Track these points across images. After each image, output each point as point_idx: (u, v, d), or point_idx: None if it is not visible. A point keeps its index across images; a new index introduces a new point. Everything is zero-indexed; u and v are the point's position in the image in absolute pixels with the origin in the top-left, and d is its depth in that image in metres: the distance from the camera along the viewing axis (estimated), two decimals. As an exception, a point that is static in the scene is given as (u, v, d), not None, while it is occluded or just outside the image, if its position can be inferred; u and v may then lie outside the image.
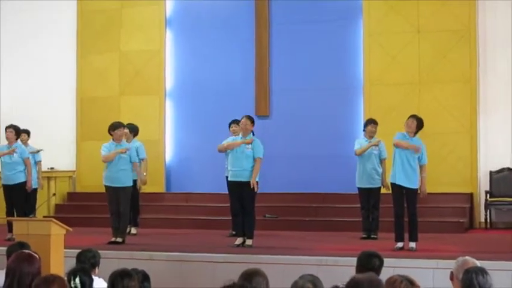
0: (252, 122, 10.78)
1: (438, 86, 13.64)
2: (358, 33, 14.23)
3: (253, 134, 10.81)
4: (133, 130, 12.73)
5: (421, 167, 10.18)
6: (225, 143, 11.15)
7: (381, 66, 13.98)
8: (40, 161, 12.84)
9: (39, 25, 15.97)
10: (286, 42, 14.64)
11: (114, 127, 11.31)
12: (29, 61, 15.97)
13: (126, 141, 12.01)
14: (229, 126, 12.02)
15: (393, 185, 10.21)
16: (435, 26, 13.69)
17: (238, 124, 11.38)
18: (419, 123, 10.26)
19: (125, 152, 11.17)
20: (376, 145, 11.53)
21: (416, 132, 10.26)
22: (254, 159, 10.55)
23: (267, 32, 14.66)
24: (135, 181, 11.89)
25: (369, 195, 11.61)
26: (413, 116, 10.35)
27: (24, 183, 11.96)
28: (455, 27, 13.57)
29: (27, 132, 12.90)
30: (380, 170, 11.60)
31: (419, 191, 10.16)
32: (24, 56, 16.01)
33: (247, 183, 10.48)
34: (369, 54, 14.06)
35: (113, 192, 11.20)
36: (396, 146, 10.19)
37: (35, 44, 15.98)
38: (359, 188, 11.74)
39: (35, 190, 12.52)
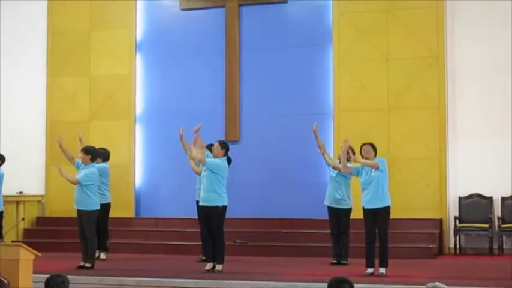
0: (223, 147, 10.80)
1: (407, 112, 13.76)
2: (328, 60, 14.33)
3: (230, 160, 10.81)
4: (103, 155, 12.65)
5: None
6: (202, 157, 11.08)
7: (350, 92, 14.08)
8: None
9: (9, 42, 15.87)
10: (256, 67, 14.71)
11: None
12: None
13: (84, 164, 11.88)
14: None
15: (364, 209, 10.23)
16: (404, 53, 13.83)
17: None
18: (374, 148, 10.38)
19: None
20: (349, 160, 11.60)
21: (375, 155, 10.35)
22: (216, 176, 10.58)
23: (236, 57, 14.72)
24: (104, 205, 11.83)
25: (337, 217, 11.59)
26: (365, 144, 10.42)
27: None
28: (424, 55, 13.73)
29: (2, 158, 12.77)
30: (349, 193, 11.62)
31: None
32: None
33: (214, 207, 10.48)
34: (339, 80, 14.16)
35: (78, 214, 11.16)
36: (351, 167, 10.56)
37: (3, 63, 15.88)
38: (328, 208, 11.73)
39: (1, 213, 12.40)
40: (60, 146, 11.85)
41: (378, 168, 10.14)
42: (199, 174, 11.44)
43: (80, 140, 12.53)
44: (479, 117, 13.48)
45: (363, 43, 14.09)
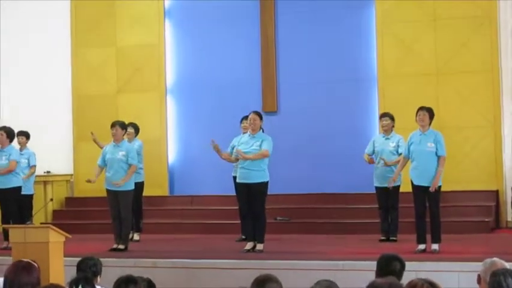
0: (261, 117, 10.78)
1: (457, 76, 13.60)
2: (370, 21, 14.20)
3: (263, 131, 10.81)
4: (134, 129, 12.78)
5: (438, 159, 10.14)
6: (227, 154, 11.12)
7: (395, 56, 13.95)
8: (34, 165, 12.80)
9: (30, 14, 15.94)
10: (293, 33, 14.61)
11: (110, 126, 11.39)
12: (20, 58, 15.95)
13: (128, 141, 12.05)
14: (241, 123, 12.04)
15: (413, 184, 10.19)
16: (453, 12, 13.64)
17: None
18: (431, 114, 10.27)
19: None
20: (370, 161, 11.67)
21: (430, 123, 10.25)
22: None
23: (272, 23, 14.64)
24: (138, 184, 11.91)
25: (387, 195, 11.59)
26: (422, 109, 10.32)
27: (18, 188, 11.95)
28: (475, 14, 13.53)
29: (26, 135, 12.86)
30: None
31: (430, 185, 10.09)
32: (14, 53, 15.98)
33: (257, 184, 10.47)
34: (382, 43, 14.03)
35: (112, 196, 11.22)
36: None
37: (26, 40, 15.96)
38: (376, 188, 11.73)
39: (31, 196, 12.54)
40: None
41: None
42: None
43: (95, 140, 12.60)
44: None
45: (408, 3, 13.91)
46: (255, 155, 10.46)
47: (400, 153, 11.29)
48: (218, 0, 15.00)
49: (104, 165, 11.35)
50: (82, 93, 15.67)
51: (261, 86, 14.62)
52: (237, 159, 10.82)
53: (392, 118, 11.85)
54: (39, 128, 14.73)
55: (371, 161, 11.78)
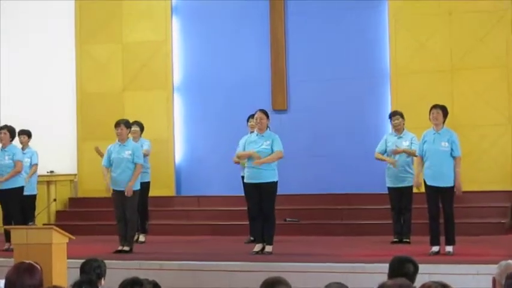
0: (267, 116, 10.77)
1: (473, 73, 13.55)
2: (382, 16, 14.17)
3: (269, 129, 10.80)
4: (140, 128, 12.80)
5: (454, 159, 10.11)
6: (238, 153, 11.15)
7: (408, 52, 13.91)
8: (36, 164, 12.82)
9: (34, 9, 15.94)
10: (304, 30, 14.59)
11: (114, 125, 11.38)
12: (22, 57, 15.98)
13: (134, 139, 12.05)
14: (248, 121, 12.05)
15: (426, 184, 10.16)
16: (469, 6, 13.59)
17: (255, 119, 11.39)
18: (445, 112, 10.25)
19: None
20: (394, 164, 11.55)
21: (444, 122, 10.22)
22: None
23: (282, 19, 14.62)
24: (144, 184, 11.91)
25: (400, 196, 11.57)
26: (436, 107, 10.29)
27: (20, 188, 11.96)
28: (491, 8, 13.48)
29: (28, 133, 12.90)
30: (411, 168, 11.55)
31: (455, 189, 10.09)
32: (18, 48, 16.02)
33: (266, 184, 10.46)
34: (395, 39, 13.99)
35: (118, 196, 11.23)
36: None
37: (28, 39, 15.98)
38: (389, 188, 11.71)
39: (34, 196, 12.56)
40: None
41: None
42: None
43: (99, 153, 12.57)
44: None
45: (422, -4, 13.89)
46: (271, 158, 10.46)
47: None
48: (227, -1, 15.01)
49: (109, 165, 11.35)
50: (87, 91, 15.68)
51: (271, 84, 14.60)
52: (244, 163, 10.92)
53: (402, 116, 11.83)
54: (42, 126, 14.75)
55: (391, 161, 11.69)
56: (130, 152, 11.24)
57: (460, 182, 10.05)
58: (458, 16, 13.67)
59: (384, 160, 11.76)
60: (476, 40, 13.55)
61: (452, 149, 10.07)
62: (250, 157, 10.62)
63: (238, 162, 11.83)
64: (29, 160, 12.54)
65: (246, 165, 10.86)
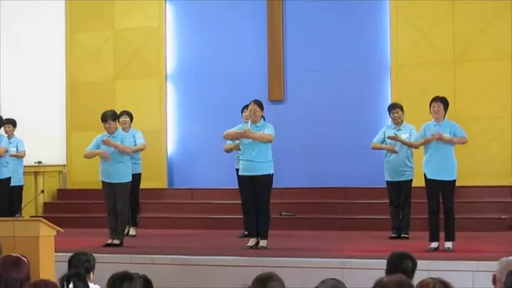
0: (262, 107, 10.77)
1: (476, 65, 13.56)
2: (383, 7, 14.16)
3: (264, 119, 10.80)
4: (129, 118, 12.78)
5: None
6: (227, 132, 11.07)
7: (410, 43, 13.91)
8: (24, 151, 12.80)
9: (24, 2, 15.90)
10: (302, 18, 14.58)
11: (101, 119, 11.33)
12: (13, 42, 15.95)
13: (124, 130, 12.04)
14: (242, 112, 12.06)
15: (426, 178, 10.18)
16: (471, -4, 13.63)
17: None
18: (445, 104, 10.28)
19: (104, 156, 11.18)
20: (394, 151, 11.55)
21: (444, 114, 10.25)
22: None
23: (280, 7, 14.61)
24: (135, 176, 11.90)
25: (398, 190, 11.59)
26: (436, 100, 10.31)
27: (7, 180, 11.96)
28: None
29: (13, 123, 12.90)
30: (411, 161, 11.57)
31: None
32: (6, 37, 15.99)
33: (262, 176, 10.47)
34: (397, 29, 14.00)
35: (109, 188, 11.23)
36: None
37: (19, 24, 15.94)
38: (387, 182, 11.73)
39: (21, 187, 12.55)
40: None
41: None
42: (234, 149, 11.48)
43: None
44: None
45: (424, -15, 13.90)
46: (260, 136, 10.46)
47: None
48: (222, -16, 14.99)
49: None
50: (77, 80, 15.67)
51: (267, 73, 14.60)
52: (236, 147, 10.85)
53: (402, 109, 11.84)
54: (31, 116, 14.76)
55: (389, 147, 11.68)
56: (119, 143, 11.24)
57: (446, 136, 10.02)
58: (461, 7, 13.66)
59: (382, 148, 11.77)
60: (479, 31, 13.54)
61: (456, 135, 10.09)
62: (240, 137, 10.63)
63: (228, 150, 11.74)
64: (15, 149, 12.56)
65: (240, 158, 10.86)
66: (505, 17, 13.43)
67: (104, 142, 11.12)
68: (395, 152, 11.55)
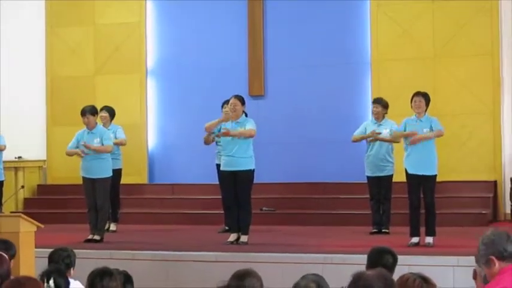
0: (243, 102, 10.75)
1: (455, 60, 13.61)
2: (364, 3, 14.17)
3: (246, 115, 10.79)
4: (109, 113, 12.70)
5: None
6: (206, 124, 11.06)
7: (390, 39, 13.94)
8: (4, 145, 12.74)
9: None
10: (283, 13, 14.57)
11: (80, 114, 11.29)
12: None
13: (104, 125, 12.01)
14: (222, 107, 12.02)
15: (407, 173, 10.19)
16: (452, -7, 13.65)
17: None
18: (427, 99, 10.31)
19: (83, 154, 11.13)
20: (372, 138, 11.56)
21: (426, 109, 10.27)
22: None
23: (260, 1, 14.59)
24: (115, 171, 11.86)
25: (379, 185, 11.60)
26: (418, 94, 10.34)
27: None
28: (475, -6, 13.54)
29: None
30: (391, 156, 11.59)
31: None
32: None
33: (243, 172, 10.46)
34: (377, 25, 14.01)
35: (89, 183, 11.19)
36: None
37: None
38: (368, 177, 11.74)
39: (1, 183, 12.50)
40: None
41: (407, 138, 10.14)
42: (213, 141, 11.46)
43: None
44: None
45: (404, -18, 13.92)
46: (243, 132, 10.44)
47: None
48: (203, -23, 14.96)
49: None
50: (57, 75, 15.60)
51: (248, 68, 14.59)
52: (213, 139, 10.93)
53: (384, 106, 11.81)
54: (11, 111, 14.68)
55: (370, 134, 11.66)
56: (98, 139, 11.20)
57: (421, 136, 10.05)
58: (441, 3, 13.69)
59: (363, 138, 11.74)
60: (460, 27, 13.58)
61: (433, 129, 10.11)
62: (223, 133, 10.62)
63: (208, 141, 11.64)
64: None
65: (221, 153, 10.83)
66: (485, 13, 13.47)
67: (82, 151, 11.09)
68: (378, 134, 11.50)
